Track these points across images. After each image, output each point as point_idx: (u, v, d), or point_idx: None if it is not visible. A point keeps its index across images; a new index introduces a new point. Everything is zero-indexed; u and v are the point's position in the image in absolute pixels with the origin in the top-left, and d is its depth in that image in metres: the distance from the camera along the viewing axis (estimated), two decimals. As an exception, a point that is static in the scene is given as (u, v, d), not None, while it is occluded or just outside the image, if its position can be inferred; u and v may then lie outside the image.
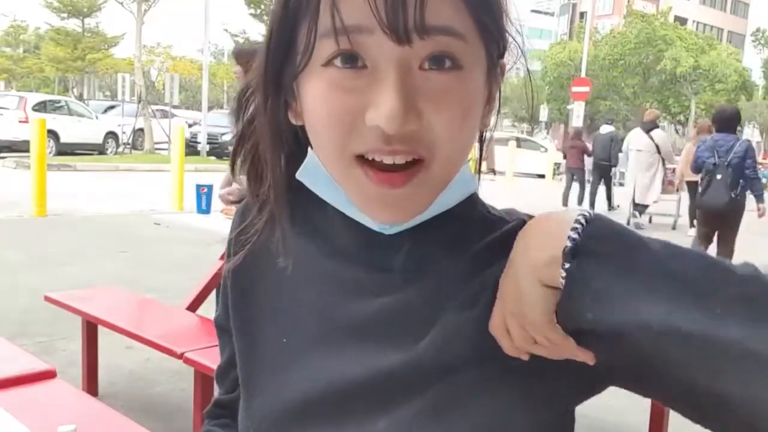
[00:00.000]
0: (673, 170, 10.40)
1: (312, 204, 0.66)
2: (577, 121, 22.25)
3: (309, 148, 0.63)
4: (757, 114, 40.98)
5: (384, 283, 0.64)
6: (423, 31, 0.53)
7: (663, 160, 10.03)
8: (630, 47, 38.13)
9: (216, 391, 0.84)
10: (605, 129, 12.48)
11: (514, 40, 0.62)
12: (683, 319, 0.48)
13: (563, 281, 0.53)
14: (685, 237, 9.67)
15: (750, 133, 46.50)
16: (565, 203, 12.61)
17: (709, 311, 0.48)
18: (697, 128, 10.05)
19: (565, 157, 13.51)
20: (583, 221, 0.54)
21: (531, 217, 0.67)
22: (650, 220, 10.92)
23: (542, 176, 20.60)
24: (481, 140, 0.66)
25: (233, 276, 0.74)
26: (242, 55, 4.01)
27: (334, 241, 0.66)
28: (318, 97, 0.57)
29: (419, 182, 0.56)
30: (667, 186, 10.43)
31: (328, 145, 0.58)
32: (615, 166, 11.95)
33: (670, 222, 10.95)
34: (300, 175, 0.65)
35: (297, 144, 0.66)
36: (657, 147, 9.87)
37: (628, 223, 10.46)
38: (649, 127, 10.03)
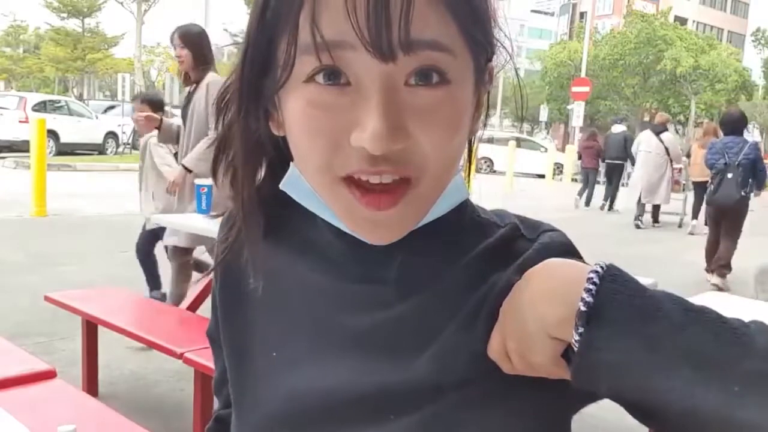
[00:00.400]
0: (680, 170, 10.87)
1: (300, 216, 0.65)
2: (577, 121, 22.24)
3: (291, 161, 0.61)
4: (757, 114, 40.95)
5: (378, 296, 0.62)
6: (408, 47, 0.50)
7: (671, 162, 10.44)
8: (630, 47, 38.11)
9: (216, 403, 0.83)
10: (617, 128, 12.61)
11: (502, 45, 0.60)
12: (703, 401, 0.47)
13: (577, 345, 0.51)
14: (687, 235, 10.09)
15: (750, 133, 46.52)
16: (578, 197, 13.22)
17: (727, 390, 0.47)
18: (703, 130, 10.65)
19: (580, 157, 13.92)
20: (596, 279, 0.51)
21: (521, 218, 0.66)
22: (657, 220, 11.20)
23: (542, 176, 20.59)
24: (470, 146, 0.64)
25: (221, 288, 0.73)
26: (189, 37, 3.78)
27: (324, 253, 0.65)
28: (300, 114, 0.54)
29: (408, 202, 0.54)
30: (674, 186, 10.78)
31: (311, 164, 0.56)
32: (634, 164, 11.78)
33: (677, 220, 11.24)
34: (284, 186, 0.63)
35: (279, 154, 0.64)
36: (666, 149, 10.29)
37: (636, 220, 10.80)
38: (660, 130, 10.50)
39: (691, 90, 38.96)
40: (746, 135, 7.56)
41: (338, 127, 0.53)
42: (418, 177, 0.54)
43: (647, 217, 11.01)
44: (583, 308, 0.50)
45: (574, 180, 20.24)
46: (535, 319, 0.54)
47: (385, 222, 0.55)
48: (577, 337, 0.51)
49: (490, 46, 0.59)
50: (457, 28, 0.53)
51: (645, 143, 10.50)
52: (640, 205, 10.75)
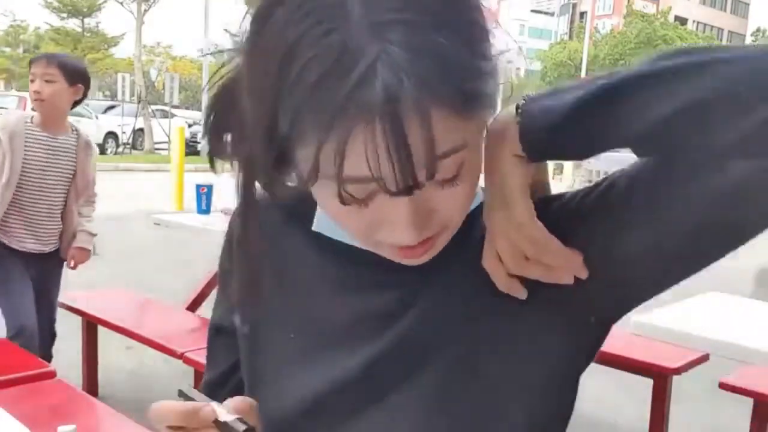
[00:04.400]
0: None
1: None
2: (577, 121, 22.17)
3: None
4: (757, 114, 40.90)
5: (399, 282, 0.64)
6: (432, 177, 0.51)
7: None
8: (630, 47, 38.12)
9: None
10: None
11: (506, 48, 0.61)
12: (691, 91, 0.49)
13: (520, 114, 0.56)
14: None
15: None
16: None
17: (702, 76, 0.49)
18: None
19: None
20: (522, 101, 0.57)
21: None
22: None
23: (542, 176, 20.64)
24: None
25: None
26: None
27: (341, 253, 0.67)
28: (331, 204, 0.54)
29: (438, 245, 0.59)
30: None
31: (348, 234, 0.60)
32: None
33: None
34: (316, 228, 0.67)
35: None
36: None
37: None
38: None
39: (691, 90, 38.96)
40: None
41: (369, 223, 0.55)
42: (447, 229, 0.58)
43: None
44: (520, 103, 0.57)
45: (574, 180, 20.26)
46: (497, 157, 0.58)
47: (420, 260, 0.60)
48: (520, 110, 0.56)
49: (494, 97, 0.58)
50: (470, 116, 0.52)
51: None
52: None
